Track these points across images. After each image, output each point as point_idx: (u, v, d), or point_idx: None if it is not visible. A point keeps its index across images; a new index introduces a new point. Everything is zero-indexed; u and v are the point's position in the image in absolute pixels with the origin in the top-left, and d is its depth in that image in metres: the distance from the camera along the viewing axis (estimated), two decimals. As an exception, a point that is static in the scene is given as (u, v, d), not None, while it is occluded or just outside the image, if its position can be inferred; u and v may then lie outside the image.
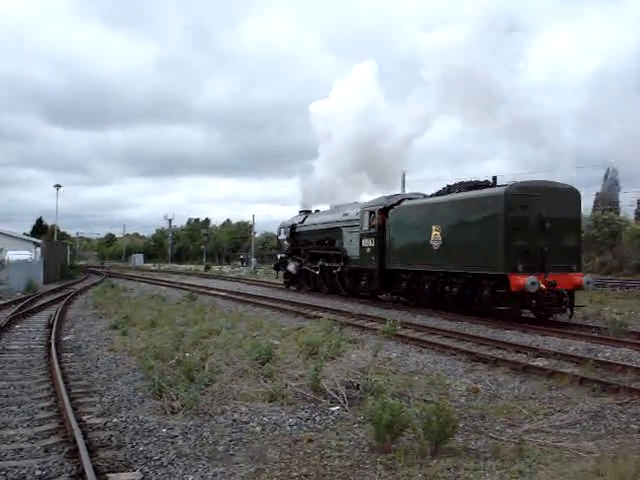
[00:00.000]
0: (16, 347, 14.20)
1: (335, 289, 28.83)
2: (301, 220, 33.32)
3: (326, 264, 29.28)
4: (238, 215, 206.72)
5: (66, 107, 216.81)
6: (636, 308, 21.80)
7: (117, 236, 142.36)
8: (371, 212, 24.88)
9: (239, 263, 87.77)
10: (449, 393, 9.60)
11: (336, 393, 8.98)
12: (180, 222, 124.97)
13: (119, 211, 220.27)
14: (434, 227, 20.71)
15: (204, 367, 10.73)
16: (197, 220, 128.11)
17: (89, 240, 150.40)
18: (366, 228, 25.09)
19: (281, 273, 36.63)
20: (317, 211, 34.30)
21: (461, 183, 21.65)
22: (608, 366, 11.41)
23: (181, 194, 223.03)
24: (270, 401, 8.96)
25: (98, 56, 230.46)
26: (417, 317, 19.77)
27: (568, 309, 18.20)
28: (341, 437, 7.40)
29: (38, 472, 6.13)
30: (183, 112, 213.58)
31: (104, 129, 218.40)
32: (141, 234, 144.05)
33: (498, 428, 7.83)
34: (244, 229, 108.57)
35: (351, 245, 26.59)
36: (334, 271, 28.41)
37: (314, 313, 20.54)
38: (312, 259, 30.92)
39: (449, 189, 21.95)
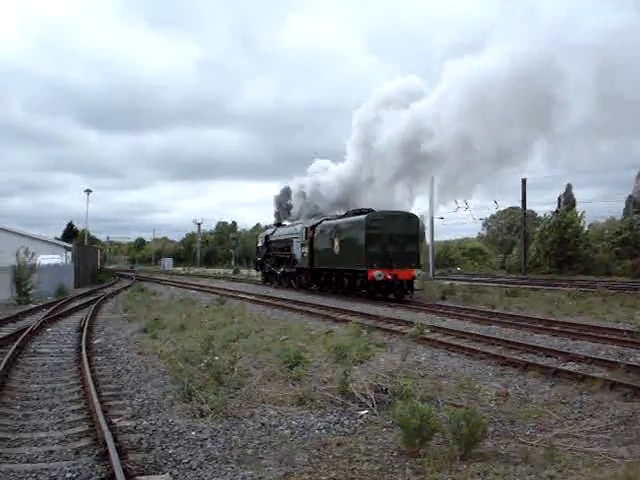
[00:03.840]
0: (47, 350, 14.37)
1: (290, 284, 38.87)
2: (272, 232, 43.71)
3: (284, 265, 39.39)
4: (270, 219, 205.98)
5: (103, 110, 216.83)
6: (669, 312, 21.45)
7: (147, 240, 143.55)
8: (306, 228, 34.89)
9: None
10: (479, 397, 9.53)
11: (365, 397, 8.97)
12: (211, 226, 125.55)
13: (151, 215, 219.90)
14: (336, 239, 30.87)
15: (233, 370, 10.77)
16: (225, 224, 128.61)
17: (119, 244, 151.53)
18: (304, 239, 34.96)
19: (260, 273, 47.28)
20: (283, 225, 43.95)
21: (354, 210, 32.35)
22: (640, 370, 11.26)
23: (214, 198, 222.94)
24: (299, 405, 8.97)
25: (138, 58, 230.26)
26: (446, 321, 19.68)
27: (409, 291, 28.48)
28: (370, 441, 7.38)
29: (69, 474, 6.20)
30: (220, 115, 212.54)
31: (140, 132, 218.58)
32: (171, 238, 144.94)
33: (528, 433, 7.75)
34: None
35: (297, 251, 36.41)
36: (288, 270, 38.60)
37: (342, 317, 20.56)
38: (277, 261, 41.25)
39: (346, 213, 32.83)
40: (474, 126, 31.73)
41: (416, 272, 28.20)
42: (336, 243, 30.66)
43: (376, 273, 26.90)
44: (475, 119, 31.66)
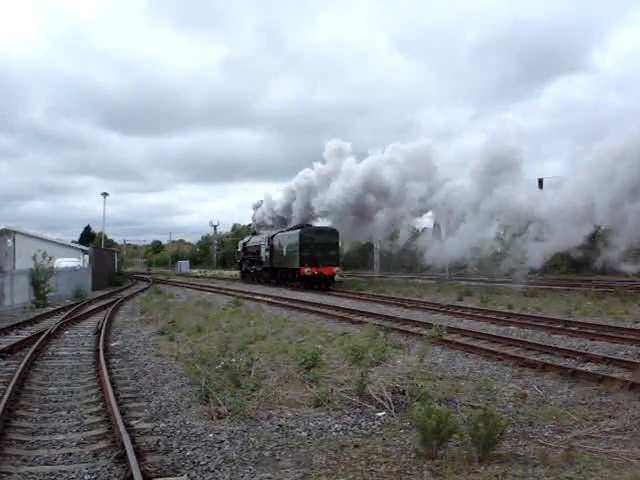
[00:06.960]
0: (65, 353, 14.46)
1: (260, 280, 49.65)
2: (248, 240, 56.82)
3: (255, 266, 51.92)
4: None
5: (125, 112, 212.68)
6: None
7: (164, 243, 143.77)
8: (268, 237, 47.08)
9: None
10: (496, 399, 9.47)
11: (382, 398, 8.94)
12: (228, 228, 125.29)
13: (170, 218, 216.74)
14: (284, 246, 43.21)
15: (250, 372, 10.78)
16: (243, 226, 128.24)
17: (136, 247, 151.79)
18: (267, 246, 46.87)
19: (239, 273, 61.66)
20: (257, 234, 56.08)
21: (296, 225, 46.05)
22: (660, 371, 11.16)
23: (234, 200, 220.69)
24: (316, 406, 8.97)
25: (163, 58, 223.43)
26: (463, 322, 19.62)
27: (331, 282, 40.59)
28: (387, 443, 7.36)
29: (87, 477, 6.23)
30: (243, 115, 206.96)
31: (161, 134, 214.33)
32: (187, 241, 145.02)
33: (547, 434, 7.71)
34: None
35: (263, 255, 48.26)
36: (258, 269, 50.93)
37: (359, 318, 20.54)
38: (250, 263, 53.93)
39: (293, 227, 45.29)
40: None
41: (335, 269, 41.16)
42: (284, 249, 43.21)
43: (306, 270, 39.45)
44: None
